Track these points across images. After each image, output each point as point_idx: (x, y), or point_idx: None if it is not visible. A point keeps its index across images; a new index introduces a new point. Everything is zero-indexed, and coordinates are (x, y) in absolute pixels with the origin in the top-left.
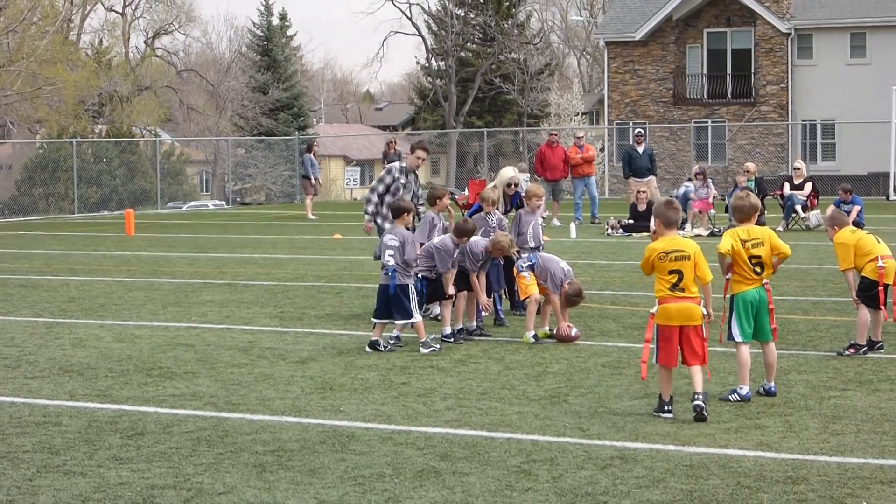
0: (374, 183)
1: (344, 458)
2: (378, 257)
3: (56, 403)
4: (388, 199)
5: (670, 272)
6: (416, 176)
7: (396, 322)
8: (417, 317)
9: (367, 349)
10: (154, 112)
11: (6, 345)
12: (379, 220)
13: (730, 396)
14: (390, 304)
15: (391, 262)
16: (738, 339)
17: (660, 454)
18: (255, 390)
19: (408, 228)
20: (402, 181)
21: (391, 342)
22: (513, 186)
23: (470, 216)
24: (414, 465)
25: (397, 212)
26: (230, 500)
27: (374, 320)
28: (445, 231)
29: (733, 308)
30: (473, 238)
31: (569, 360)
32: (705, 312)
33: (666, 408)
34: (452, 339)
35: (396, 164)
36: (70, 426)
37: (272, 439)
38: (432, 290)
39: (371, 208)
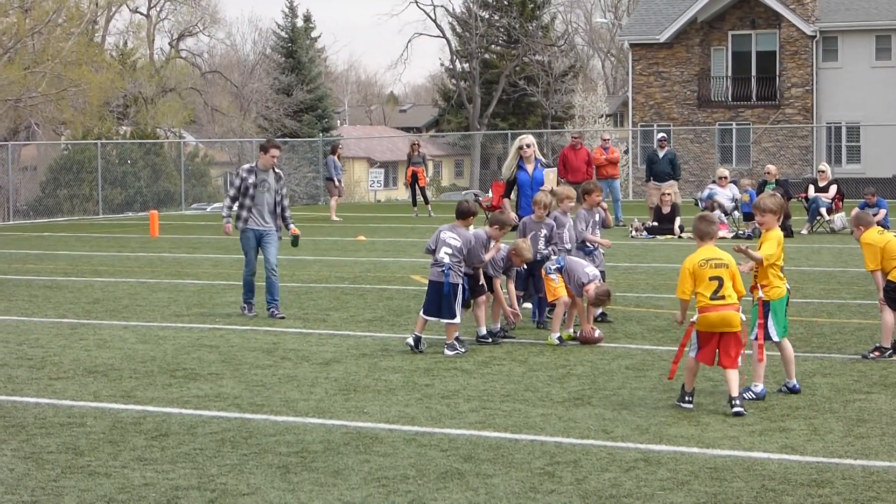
0: (229, 189)
1: (368, 460)
2: (430, 251)
3: (80, 404)
4: (241, 200)
5: (711, 278)
6: (277, 174)
7: (442, 321)
8: (458, 319)
9: (409, 342)
10: (178, 114)
11: (31, 346)
12: (240, 224)
13: (744, 394)
14: (441, 301)
15: (446, 259)
16: (777, 338)
17: (684, 457)
18: (279, 392)
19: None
20: (251, 181)
21: (459, 348)
22: (525, 148)
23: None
24: (438, 466)
25: (463, 214)
26: (254, 501)
27: (424, 316)
28: (605, 225)
29: (770, 313)
30: (475, 232)
31: (593, 362)
32: (743, 318)
33: (686, 398)
34: (490, 340)
35: (246, 165)
36: (94, 427)
37: (296, 440)
38: (471, 287)
39: (225, 212)
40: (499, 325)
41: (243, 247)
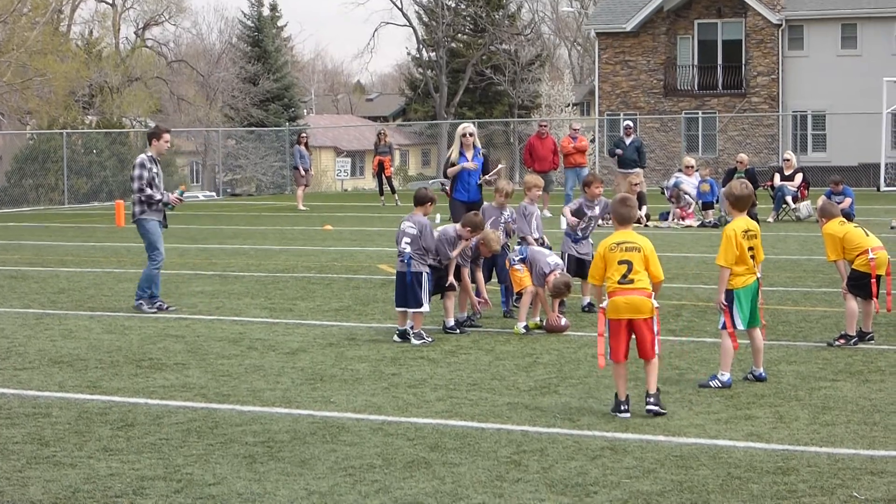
0: (136, 184)
1: (334, 449)
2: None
3: (46, 395)
4: (148, 191)
5: (620, 262)
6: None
7: (410, 311)
8: (426, 308)
9: (396, 338)
10: (144, 103)
11: None
12: (147, 215)
13: (710, 382)
14: (406, 291)
15: (407, 249)
16: (741, 327)
17: (650, 445)
18: (246, 381)
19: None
20: (155, 170)
21: (425, 337)
22: (468, 136)
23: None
24: (404, 455)
25: (420, 200)
26: (220, 491)
27: (397, 309)
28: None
29: (734, 302)
30: (444, 228)
31: (559, 350)
32: (656, 305)
33: (622, 407)
34: (458, 331)
35: (144, 156)
36: (60, 417)
37: (262, 430)
38: (436, 280)
39: (158, 196)
40: (466, 314)
41: (154, 238)
